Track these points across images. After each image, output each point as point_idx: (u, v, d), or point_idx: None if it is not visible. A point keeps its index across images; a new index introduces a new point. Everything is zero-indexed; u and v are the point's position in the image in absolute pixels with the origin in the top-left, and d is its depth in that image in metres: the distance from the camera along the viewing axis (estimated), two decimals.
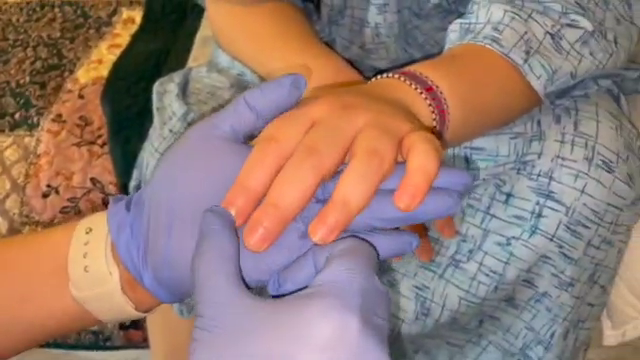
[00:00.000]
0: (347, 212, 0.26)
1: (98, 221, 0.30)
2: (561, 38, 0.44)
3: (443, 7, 0.57)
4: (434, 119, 0.36)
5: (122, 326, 0.73)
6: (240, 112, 0.29)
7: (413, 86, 0.36)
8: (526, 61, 0.42)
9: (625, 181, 0.47)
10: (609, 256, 0.50)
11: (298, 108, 0.29)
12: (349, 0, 0.59)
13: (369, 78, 0.46)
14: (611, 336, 0.57)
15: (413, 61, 0.62)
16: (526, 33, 0.43)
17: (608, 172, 0.46)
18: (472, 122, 0.41)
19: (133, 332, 0.73)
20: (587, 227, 0.47)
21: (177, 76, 0.60)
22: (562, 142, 0.47)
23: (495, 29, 0.43)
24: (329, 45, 0.64)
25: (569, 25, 0.44)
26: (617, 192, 0.47)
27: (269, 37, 0.54)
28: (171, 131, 0.54)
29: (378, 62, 0.62)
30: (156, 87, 0.59)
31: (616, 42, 0.46)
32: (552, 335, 0.50)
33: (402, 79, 0.36)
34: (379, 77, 0.37)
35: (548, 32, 0.44)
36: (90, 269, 0.29)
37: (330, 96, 0.30)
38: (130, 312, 0.30)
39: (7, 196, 0.71)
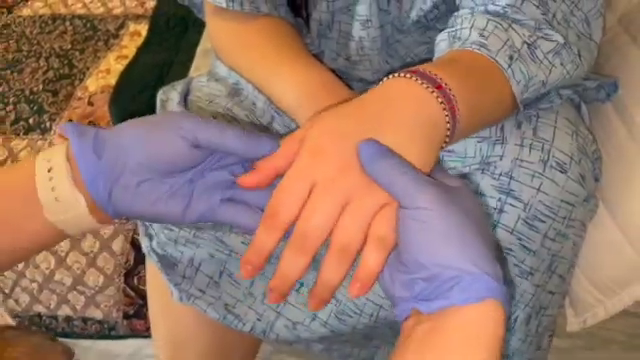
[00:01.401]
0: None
1: (57, 155, 0.35)
2: (536, 48, 0.47)
3: (422, 23, 0.62)
4: (446, 115, 0.38)
5: (126, 315, 0.77)
6: (214, 135, 0.37)
7: (424, 85, 0.38)
8: (510, 66, 0.45)
9: (577, 181, 0.51)
10: (564, 248, 0.54)
11: (296, 166, 0.36)
12: (336, 15, 0.63)
13: (352, 87, 0.51)
14: (574, 323, 0.62)
15: (393, 71, 0.67)
16: (508, 40, 0.46)
17: (561, 172, 0.50)
18: (474, 120, 0.43)
19: (136, 322, 0.77)
20: (543, 221, 0.51)
21: (179, 85, 0.63)
22: (521, 146, 0.50)
23: (481, 35, 0.46)
24: (318, 57, 0.69)
25: (543, 37, 0.48)
26: (570, 190, 0.51)
27: (262, 49, 0.57)
28: None
29: (362, 73, 0.67)
30: (159, 95, 0.62)
31: (580, 55, 0.50)
32: (515, 320, 0.54)
33: (413, 78, 0.38)
34: (390, 77, 0.39)
35: (525, 42, 0.47)
36: (60, 198, 0.35)
37: (327, 155, 0.36)
38: (95, 226, 0.37)
39: None
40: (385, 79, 0.40)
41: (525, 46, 0.47)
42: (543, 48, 0.48)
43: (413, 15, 0.61)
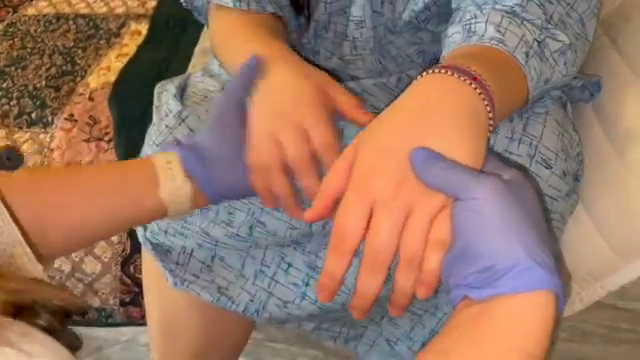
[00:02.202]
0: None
1: (171, 155, 0.47)
2: (545, 46, 0.48)
3: (414, 24, 0.64)
4: (486, 105, 0.39)
5: (122, 303, 0.79)
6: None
7: (462, 78, 0.39)
8: (526, 62, 0.46)
9: (560, 176, 0.53)
10: None
11: (353, 189, 0.38)
12: (332, 17, 0.66)
13: (346, 85, 0.53)
14: None
15: (385, 70, 0.70)
16: (523, 36, 0.47)
17: (546, 168, 0.53)
18: (503, 112, 0.44)
19: (133, 309, 0.79)
20: None
21: (177, 79, 0.64)
22: (511, 139, 0.52)
23: (497, 30, 0.46)
24: (314, 55, 0.71)
25: (551, 37, 0.49)
26: (553, 185, 0.53)
27: (242, 35, 0.58)
28: (167, 126, 0.58)
29: (355, 71, 0.69)
30: (157, 87, 0.63)
31: (577, 56, 0.51)
32: None
33: (449, 73, 0.39)
34: (425, 74, 0.40)
35: (536, 39, 0.48)
36: (175, 178, 0.46)
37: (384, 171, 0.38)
38: (190, 209, 0.48)
39: None
40: (420, 77, 0.40)
41: (536, 43, 0.48)
42: (551, 47, 0.49)
43: (405, 16, 0.63)
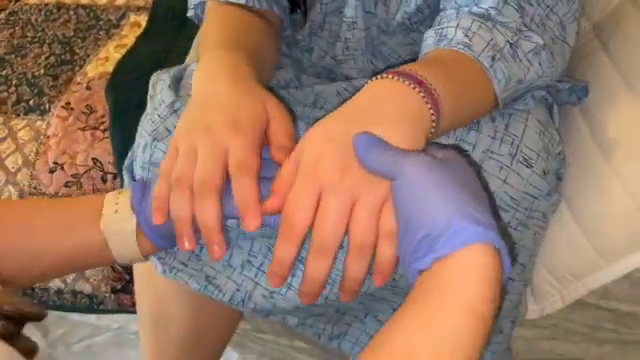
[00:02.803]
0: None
1: (123, 195, 0.46)
2: (518, 47, 0.50)
3: (406, 25, 0.65)
4: (429, 108, 0.41)
5: (114, 290, 0.80)
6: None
7: (406, 82, 0.41)
8: (492, 65, 0.48)
9: (541, 175, 0.54)
10: (525, 237, 0.57)
11: (301, 177, 0.39)
12: (328, 16, 0.67)
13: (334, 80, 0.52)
14: (534, 310, 0.65)
15: (379, 71, 0.70)
16: (492, 40, 0.48)
17: (527, 167, 0.53)
18: (458, 114, 0.46)
19: (124, 296, 0.80)
20: (506, 210, 0.54)
21: (174, 70, 0.64)
22: (493, 138, 0.53)
23: (465, 35, 0.48)
24: (308, 52, 0.72)
25: (524, 38, 0.50)
26: (533, 184, 0.54)
27: (216, 36, 0.57)
28: (159, 116, 0.58)
29: (348, 71, 0.70)
30: (153, 77, 0.63)
31: (554, 58, 0.53)
32: None
33: (395, 78, 0.42)
34: (374, 79, 0.42)
35: (508, 41, 0.49)
36: (119, 212, 0.44)
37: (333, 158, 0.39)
38: (135, 251, 0.44)
39: (19, 170, 0.79)
40: (369, 81, 0.43)
41: (508, 45, 0.49)
42: (524, 48, 0.50)
43: (398, 17, 0.64)
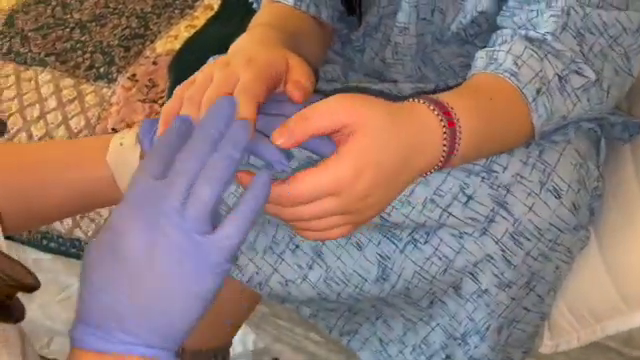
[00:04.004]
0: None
1: (131, 131, 0.46)
2: (567, 82, 0.49)
3: (461, 37, 0.64)
4: (444, 150, 0.44)
5: None
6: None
7: (442, 123, 0.43)
8: (535, 99, 0.47)
9: (570, 209, 0.53)
10: (546, 269, 0.56)
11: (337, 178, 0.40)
12: (383, 19, 0.67)
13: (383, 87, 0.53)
14: (548, 346, 0.63)
15: (425, 78, 0.71)
16: (541, 71, 0.48)
17: (556, 197, 0.52)
18: (484, 148, 0.48)
19: None
20: (528, 239, 0.53)
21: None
22: (525, 163, 0.53)
23: (515, 63, 0.48)
24: (360, 53, 0.73)
25: (576, 72, 0.50)
26: (560, 216, 0.53)
27: (259, 19, 0.60)
28: None
29: (395, 75, 0.70)
30: (209, 61, 0.68)
31: (609, 92, 0.52)
32: (487, 328, 0.57)
33: (435, 112, 0.43)
34: (414, 100, 0.44)
35: (557, 74, 0.49)
36: (124, 144, 0.44)
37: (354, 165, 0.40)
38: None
39: (80, 131, 0.85)
40: (409, 100, 0.44)
41: (556, 78, 0.49)
42: (573, 83, 0.49)
43: (453, 28, 0.64)
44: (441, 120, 0.43)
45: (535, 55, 0.49)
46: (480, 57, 0.51)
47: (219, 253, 0.34)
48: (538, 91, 0.48)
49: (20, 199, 0.44)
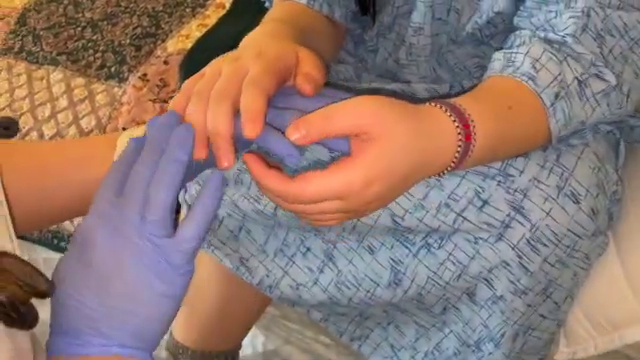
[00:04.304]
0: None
1: (139, 128, 0.45)
2: (587, 86, 0.48)
3: (477, 37, 0.63)
4: (457, 152, 0.43)
5: None
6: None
7: (458, 129, 0.42)
8: (553, 104, 0.46)
9: (588, 214, 0.52)
10: (563, 276, 0.55)
11: (348, 185, 0.40)
12: (397, 19, 0.66)
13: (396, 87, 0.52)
14: (564, 353, 0.62)
15: (439, 79, 0.70)
16: (559, 74, 0.47)
17: (574, 202, 0.51)
18: (499, 152, 0.47)
19: None
20: (546, 245, 0.52)
21: None
22: (542, 167, 0.51)
23: (533, 66, 0.47)
24: (373, 53, 0.72)
25: (596, 75, 0.48)
26: (579, 221, 0.52)
27: (271, 15, 0.59)
28: None
29: (409, 76, 0.69)
30: (218, 58, 0.68)
31: (628, 96, 0.50)
32: (502, 335, 0.56)
33: (452, 118, 0.42)
34: (430, 104, 0.43)
35: (577, 78, 0.47)
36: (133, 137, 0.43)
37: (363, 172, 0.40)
38: None
39: (91, 131, 0.85)
40: (427, 104, 0.43)
41: (576, 82, 0.48)
42: (593, 87, 0.48)
43: (468, 28, 0.63)
44: (457, 126, 0.43)
45: (554, 58, 0.48)
46: (497, 59, 0.50)
47: (180, 256, 0.36)
48: (556, 96, 0.47)
49: (31, 201, 0.44)
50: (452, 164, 0.43)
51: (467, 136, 0.43)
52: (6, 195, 0.40)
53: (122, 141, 0.45)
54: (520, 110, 0.47)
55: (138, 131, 0.46)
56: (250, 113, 0.40)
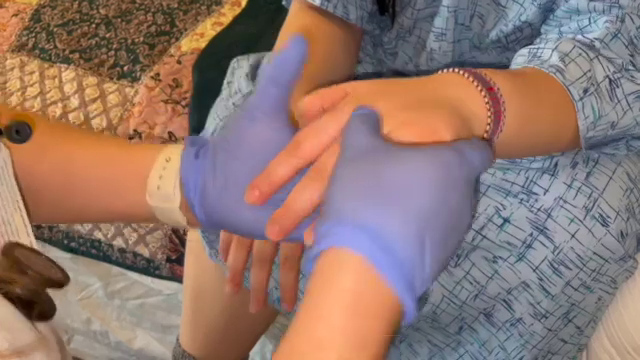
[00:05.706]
0: None
1: (175, 153, 0.39)
2: (618, 86, 0.45)
3: (502, 43, 0.60)
4: (489, 117, 0.36)
5: (169, 259, 0.83)
6: (264, 92, 0.37)
7: (475, 83, 0.36)
8: (581, 98, 0.43)
9: (617, 237, 0.49)
10: (586, 300, 0.52)
11: (336, 111, 0.35)
12: (418, 23, 0.64)
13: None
14: None
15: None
16: (589, 71, 0.44)
17: (602, 225, 0.49)
18: (525, 136, 0.41)
19: (177, 267, 0.83)
20: (569, 268, 0.50)
21: (253, 57, 0.65)
22: (569, 186, 0.49)
23: (562, 60, 0.43)
24: (392, 56, 0.69)
25: (629, 78, 0.46)
26: (606, 245, 0.49)
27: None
28: (234, 105, 0.60)
29: None
30: (233, 62, 0.65)
31: None
32: (521, 359, 0.54)
33: (465, 75, 0.37)
34: (445, 70, 0.38)
35: (608, 77, 0.45)
36: (161, 188, 0.39)
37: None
38: (183, 224, 0.40)
39: (102, 131, 0.84)
40: (440, 72, 0.38)
41: (607, 81, 0.45)
42: (625, 88, 0.45)
43: (493, 35, 0.60)
44: (477, 85, 0.37)
45: (584, 55, 0.44)
46: (521, 55, 0.47)
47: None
48: (585, 91, 0.43)
49: (56, 215, 0.43)
50: (488, 124, 0.37)
51: (495, 103, 0.37)
52: (23, 196, 0.37)
53: (162, 154, 0.40)
54: (547, 98, 0.42)
55: (176, 150, 0.40)
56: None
